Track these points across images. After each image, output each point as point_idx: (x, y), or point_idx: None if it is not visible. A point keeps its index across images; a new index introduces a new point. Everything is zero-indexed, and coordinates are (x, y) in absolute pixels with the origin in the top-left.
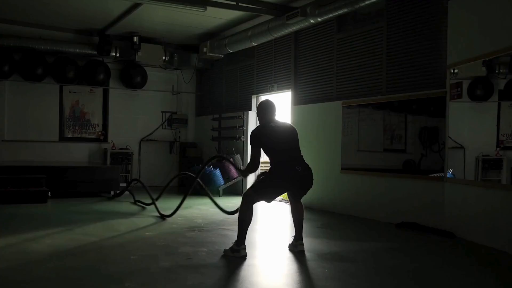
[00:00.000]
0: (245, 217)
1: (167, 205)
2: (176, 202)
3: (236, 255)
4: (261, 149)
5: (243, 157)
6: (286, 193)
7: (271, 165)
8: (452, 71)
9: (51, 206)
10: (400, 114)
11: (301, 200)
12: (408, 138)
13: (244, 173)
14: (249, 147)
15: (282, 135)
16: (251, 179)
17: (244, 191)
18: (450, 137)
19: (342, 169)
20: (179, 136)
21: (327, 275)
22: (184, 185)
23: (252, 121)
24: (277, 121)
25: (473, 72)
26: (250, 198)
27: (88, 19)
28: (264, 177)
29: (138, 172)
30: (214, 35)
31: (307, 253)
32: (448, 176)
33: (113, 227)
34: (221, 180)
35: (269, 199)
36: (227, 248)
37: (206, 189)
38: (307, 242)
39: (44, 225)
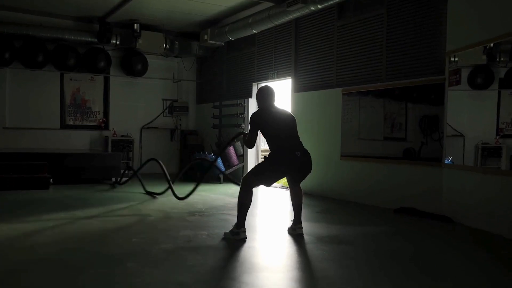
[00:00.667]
0: (244, 200)
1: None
2: (183, 188)
3: (236, 237)
4: (260, 132)
5: (243, 145)
6: (285, 179)
7: (270, 150)
8: (453, 59)
9: (53, 192)
10: (400, 102)
11: (301, 185)
12: (408, 127)
13: (244, 141)
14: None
15: (281, 120)
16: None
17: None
18: (448, 124)
19: (341, 156)
20: (180, 124)
21: (326, 257)
22: (188, 172)
23: (253, 109)
24: (276, 107)
25: (473, 60)
26: (249, 182)
27: (89, 7)
28: (263, 162)
29: (139, 159)
30: (215, 22)
31: (306, 237)
32: (446, 162)
33: (115, 212)
34: (222, 167)
35: (268, 183)
36: (227, 231)
37: (167, 175)
38: (306, 226)
39: (47, 210)
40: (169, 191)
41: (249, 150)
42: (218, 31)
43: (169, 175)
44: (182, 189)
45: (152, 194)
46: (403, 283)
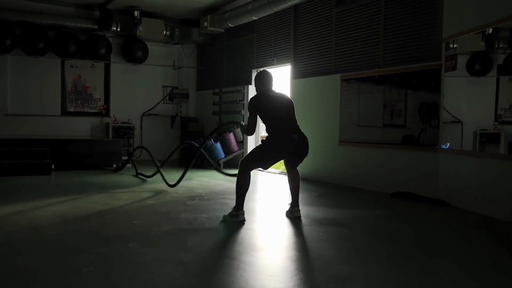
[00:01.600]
0: (243, 183)
1: (169, 177)
2: (178, 174)
3: (234, 220)
4: (258, 116)
5: (242, 132)
6: (282, 162)
7: (268, 133)
8: (451, 45)
9: (55, 178)
10: (400, 89)
11: (299, 170)
12: (408, 113)
13: (243, 131)
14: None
15: (279, 104)
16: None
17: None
18: (447, 110)
19: (340, 141)
20: (180, 111)
21: (322, 238)
22: (185, 158)
23: (252, 95)
24: (274, 91)
25: (472, 47)
26: (247, 165)
27: None
28: (261, 145)
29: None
30: (215, 9)
31: (303, 219)
32: (442, 147)
33: (116, 196)
34: (221, 153)
35: (265, 166)
36: (226, 214)
37: (209, 159)
38: (304, 210)
39: (49, 195)
40: (158, 174)
41: (248, 137)
42: (218, 18)
43: (170, 161)
44: (176, 175)
45: (143, 176)
46: (402, 262)
